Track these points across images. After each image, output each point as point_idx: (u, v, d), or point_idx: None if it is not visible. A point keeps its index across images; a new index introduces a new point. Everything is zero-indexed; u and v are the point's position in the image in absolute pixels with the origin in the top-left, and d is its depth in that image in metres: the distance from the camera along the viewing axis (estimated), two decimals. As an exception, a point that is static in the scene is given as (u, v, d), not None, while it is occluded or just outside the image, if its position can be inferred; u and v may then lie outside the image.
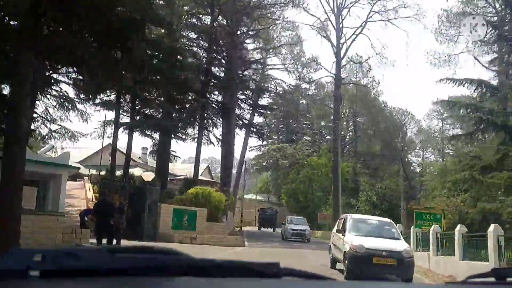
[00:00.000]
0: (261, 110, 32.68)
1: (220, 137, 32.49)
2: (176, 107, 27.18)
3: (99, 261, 1.05)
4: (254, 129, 35.92)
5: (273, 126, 69.41)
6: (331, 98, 50.99)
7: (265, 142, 77.09)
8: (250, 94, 32.40)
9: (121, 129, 26.15)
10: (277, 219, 43.18)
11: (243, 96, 34.09)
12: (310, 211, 47.58)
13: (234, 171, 42.47)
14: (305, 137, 71.35)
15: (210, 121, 31.97)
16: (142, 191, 20.58)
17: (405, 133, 62.67)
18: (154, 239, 18.44)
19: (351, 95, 49.57)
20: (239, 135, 36.84)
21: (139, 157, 45.73)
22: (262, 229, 42.60)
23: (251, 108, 33.94)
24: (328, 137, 66.66)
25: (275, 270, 1.17)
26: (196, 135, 30.09)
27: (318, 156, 49.71)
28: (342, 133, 56.83)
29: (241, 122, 33.96)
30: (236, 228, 39.14)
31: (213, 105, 31.31)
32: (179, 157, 39.56)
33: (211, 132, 32.25)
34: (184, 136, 30.59)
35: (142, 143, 33.91)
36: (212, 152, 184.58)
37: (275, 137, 76.77)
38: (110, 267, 1.04)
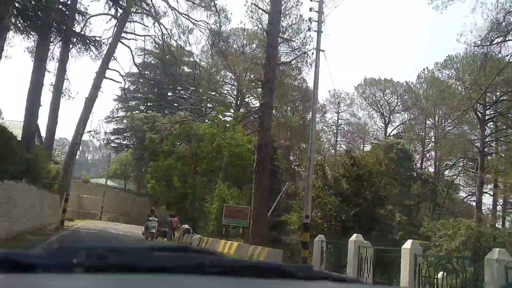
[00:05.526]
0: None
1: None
2: None
3: (139, 258, 1.08)
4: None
5: (139, 91, 51.86)
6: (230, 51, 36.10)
7: (128, 113, 58.35)
8: None
9: None
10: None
11: None
12: (189, 203, 31.49)
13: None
14: (179, 111, 54.80)
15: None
16: None
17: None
18: None
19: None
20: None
21: None
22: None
23: None
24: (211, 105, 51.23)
25: (308, 273, 1.16)
26: None
27: (211, 122, 33.80)
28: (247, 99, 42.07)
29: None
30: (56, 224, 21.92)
31: None
32: None
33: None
34: None
35: None
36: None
37: (143, 107, 58.70)
38: (149, 264, 1.07)
